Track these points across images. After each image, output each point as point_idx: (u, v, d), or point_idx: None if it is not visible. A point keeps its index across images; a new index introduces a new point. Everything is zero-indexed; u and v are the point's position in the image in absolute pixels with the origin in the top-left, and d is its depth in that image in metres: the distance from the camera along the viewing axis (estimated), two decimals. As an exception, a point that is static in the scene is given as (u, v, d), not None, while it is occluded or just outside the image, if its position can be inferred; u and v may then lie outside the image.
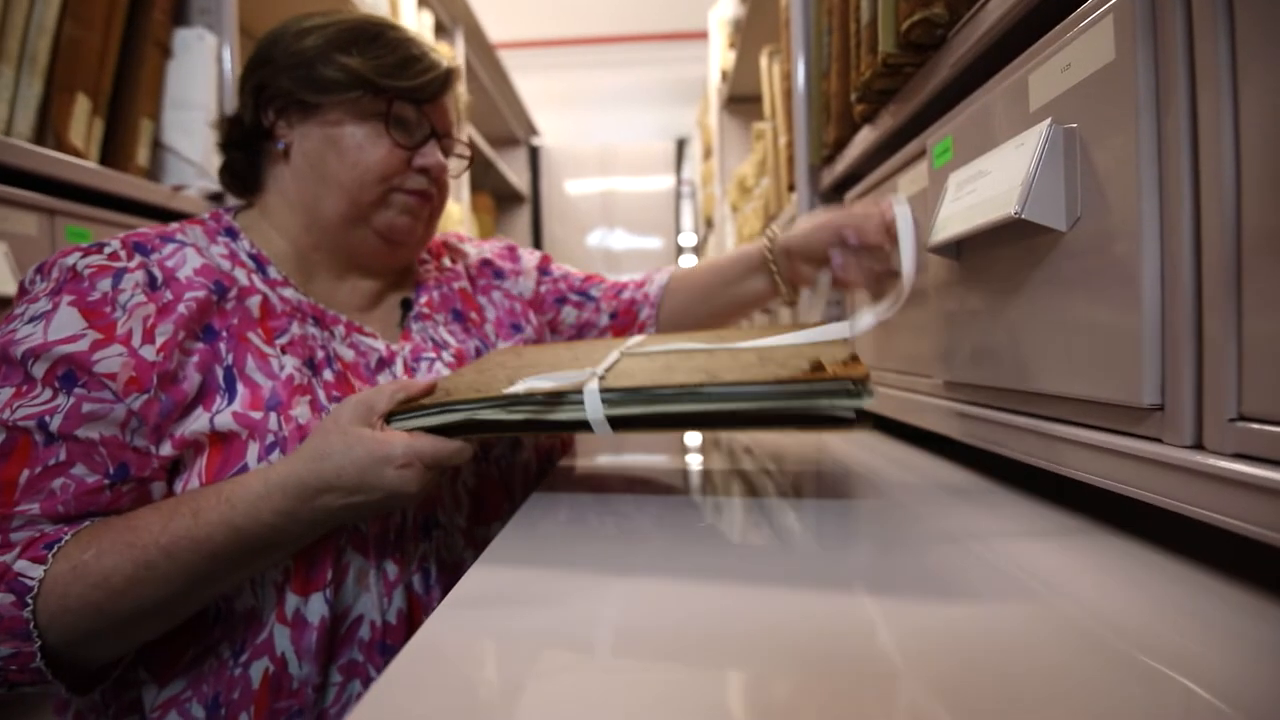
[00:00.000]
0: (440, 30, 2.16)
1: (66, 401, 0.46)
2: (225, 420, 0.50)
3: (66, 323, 0.47)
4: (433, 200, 0.63)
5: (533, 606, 0.32)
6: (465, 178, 2.28)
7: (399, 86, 0.58)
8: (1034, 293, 0.43)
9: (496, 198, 3.33)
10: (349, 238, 0.61)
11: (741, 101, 2.22)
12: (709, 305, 0.75)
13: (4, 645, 0.42)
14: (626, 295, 0.78)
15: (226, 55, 1.03)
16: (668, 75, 4.37)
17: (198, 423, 0.49)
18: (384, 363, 0.61)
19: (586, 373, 0.45)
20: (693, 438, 0.81)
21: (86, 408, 0.46)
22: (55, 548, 0.43)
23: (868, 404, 0.37)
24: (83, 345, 0.46)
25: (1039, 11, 0.45)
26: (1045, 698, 0.23)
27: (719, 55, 2.26)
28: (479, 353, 0.68)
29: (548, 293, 0.79)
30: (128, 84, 0.91)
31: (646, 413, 0.42)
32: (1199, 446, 0.30)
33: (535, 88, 3.56)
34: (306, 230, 0.60)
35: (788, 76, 1.06)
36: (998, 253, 0.47)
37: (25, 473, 0.45)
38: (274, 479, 0.45)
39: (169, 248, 0.54)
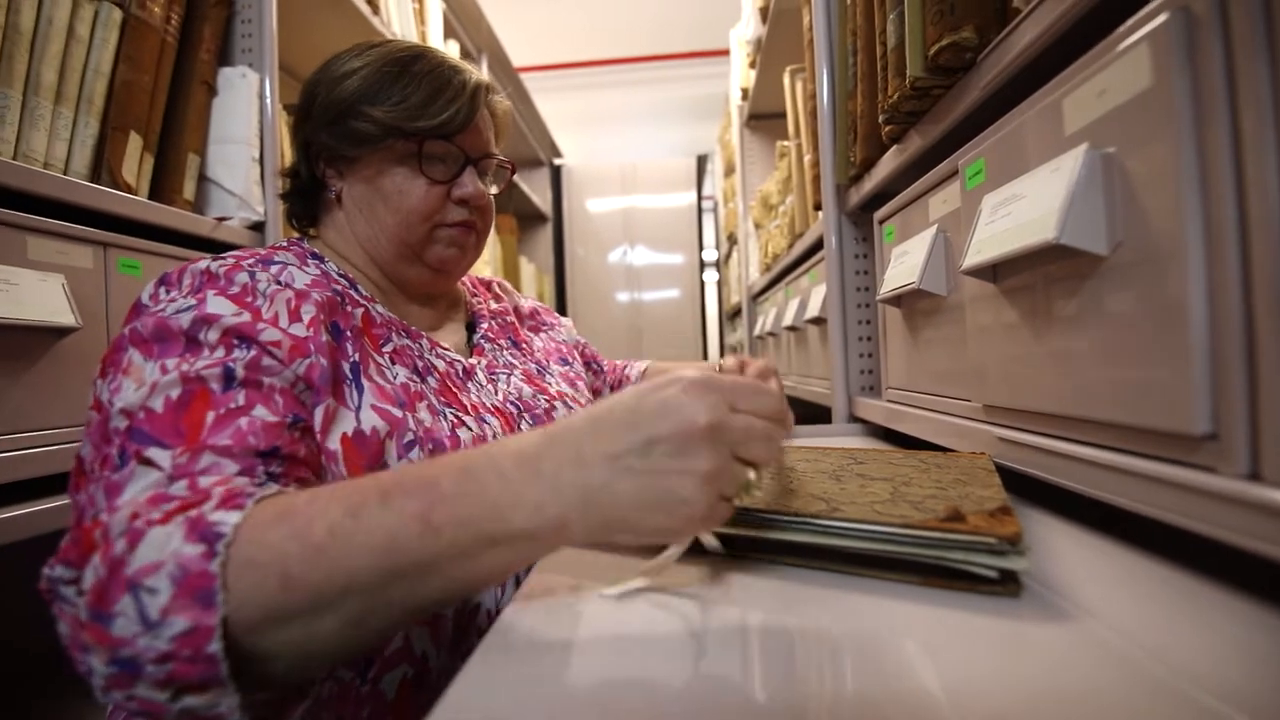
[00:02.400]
0: (465, 57, 2.22)
1: (246, 354, 0.45)
2: (369, 416, 0.51)
3: (222, 306, 0.47)
4: (475, 227, 0.66)
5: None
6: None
7: (426, 126, 0.59)
8: (1076, 316, 0.42)
9: (519, 218, 3.38)
10: (405, 273, 0.65)
11: (763, 118, 2.24)
12: None
13: (181, 615, 0.31)
14: (618, 373, 0.92)
15: (267, 91, 1.07)
16: (687, 93, 4.42)
17: (345, 422, 0.49)
18: (467, 374, 0.64)
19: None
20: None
21: (266, 361, 0.46)
22: (255, 498, 0.36)
23: (1019, 566, 0.32)
24: (245, 318, 0.47)
25: (1070, 37, 0.45)
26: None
27: (740, 73, 2.28)
28: (540, 372, 0.73)
29: (582, 352, 0.89)
30: (176, 121, 0.95)
31: (755, 536, 0.38)
32: (1256, 477, 0.29)
33: (556, 109, 3.62)
34: (371, 263, 0.65)
35: (812, 96, 1.07)
36: (1036, 275, 0.47)
37: (210, 414, 0.42)
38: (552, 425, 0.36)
39: (275, 266, 0.56)
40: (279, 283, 0.53)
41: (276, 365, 0.47)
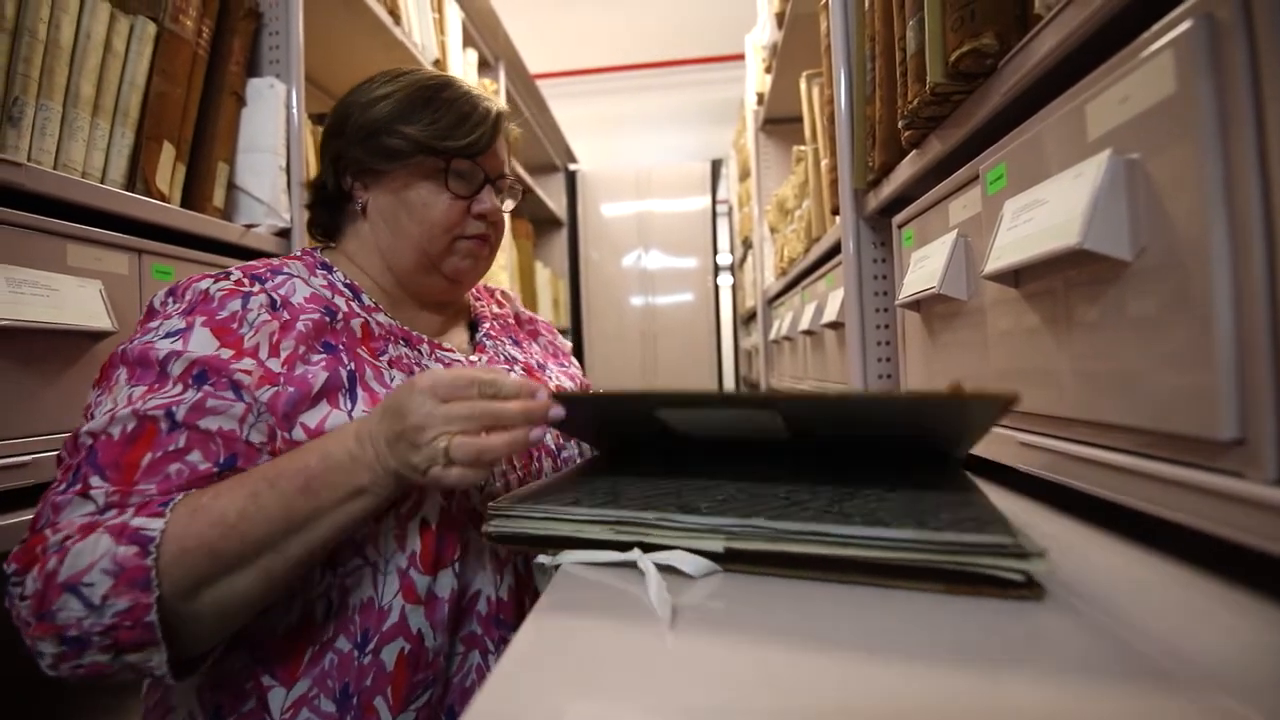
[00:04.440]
0: (484, 66, 2.24)
1: (194, 395, 0.51)
2: (361, 415, 0.55)
3: (203, 341, 0.54)
4: (490, 240, 0.70)
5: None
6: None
7: (454, 146, 0.64)
8: (1099, 321, 0.42)
9: (534, 223, 3.40)
10: (421, 281, 0.69)
11: (779, 123, 2.24)
12: None
13: (121, 598, 0.43)
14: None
15: (294, 101, 1.09)
16: (702, 98, 4.43)
17: (333, 418, 0.55)
18: None
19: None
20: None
21: (210, 403, 0.52)
22: (170, 505, 0.47)
23: (1041, 569, 0.32)
24: (222, 355, 0.53)
25: (1091, 43, 0.45)
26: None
27: (755, 78, 2.29)
28: (541, 366, 0.77)
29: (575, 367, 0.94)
30: (206, 131, 0.97)
31: (768, 550, 0.38)
32: (1284, 481, 0.29)
33: (571, 114, 3.65)
34: (387, 273, 0.68)
35: (830, 101, 1.07)
36: (1059, 280, 0.47)
37: (148, 456, 0.49)
38: (352, 423, 0.52)
39: (279, 278, 0.61)
40: (270, 308, 0.57)
41: (227, 402, 0.52)
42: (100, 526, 0.45)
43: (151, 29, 0.86)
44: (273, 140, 1.05)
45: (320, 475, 0.48)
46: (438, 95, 0.65)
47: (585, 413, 0.56)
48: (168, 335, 0.54)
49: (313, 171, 1.20)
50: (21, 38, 0.70)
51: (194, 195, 0.96)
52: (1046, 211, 0.45)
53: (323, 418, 0.55)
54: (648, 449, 0.62)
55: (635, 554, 0.40)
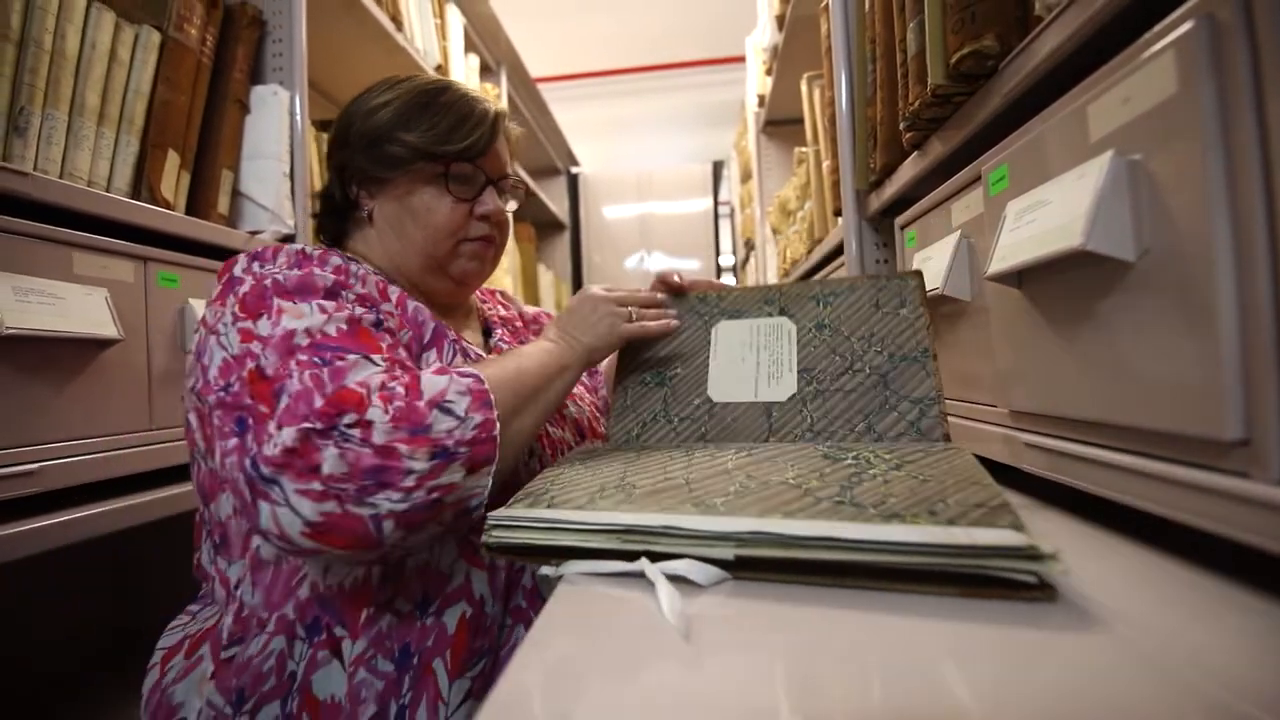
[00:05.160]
0: (486, 70, 2.25)
1: (373, 315, 0.57)
2: (458, 366, 0.60)
3: (334, 279, 0.59)
4: (495, 241, 0.72)
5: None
6: (510, 209, 2.36)
7: (453, 150, 0.66)
8: (1103, 322, 0.42)
9: (537, 226, 3.41)
10: (430, 284, 0.71)
11: (780, 124, 2.24)
12: None
13: (478, 413, 0.50)
14: (597, 377, 0.95)
15: (297, 108, 1.10)
16: (703, 99, 4.43)
17: (438, 364, 0.61)
18: None
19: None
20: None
21: (389, 323, 0.59)
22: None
23: (1057, 570, 0.32)
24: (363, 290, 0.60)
25: (1092, 44, 0.45)
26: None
27: (756, 80, 2.29)
28: None
29: None
30: (211, 138, 0.98)
31: (778, 556, 0.37)
32: (1290, 482, 0.29)
33: (573, 118, 3.66)
34: (397, 275, 0.70)
35: (831, 103, 1.07)
36: (1063, 281, 0.47)
37: (374, 341, 0.54)
38: (550, 325, 0.66)
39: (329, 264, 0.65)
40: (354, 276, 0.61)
41: (385, 329, 0.58)
42: (418, 376, 0.51)
43: (156, 38, 0.86)
44: (277, 147, 1.06)
45: (546, 359, 0.60)
46: (435, 100, 0.67)
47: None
48: (317, 272, 0.58)
49: (316, 177, 1.21)
50: (27, 48, 0.71)
51: (199, 202, 0.96)
52: (1049, 213, 0.45)
53: (436, 360, 0.62)
54: (661, 416, 0.66)
55: (643, 563, 0.39)
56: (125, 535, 0.76)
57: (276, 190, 1.05)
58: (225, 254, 0.98)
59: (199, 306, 0.89)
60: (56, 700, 0.98)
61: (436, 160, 0.65)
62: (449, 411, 0.48)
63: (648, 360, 0.69)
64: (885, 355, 0.60)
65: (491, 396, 0.51)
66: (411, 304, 0.65)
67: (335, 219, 0.72)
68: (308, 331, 0.51)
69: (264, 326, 0.53)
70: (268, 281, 0.56)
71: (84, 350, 0.73)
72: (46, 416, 0.69)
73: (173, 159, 0.89)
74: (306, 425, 0.45)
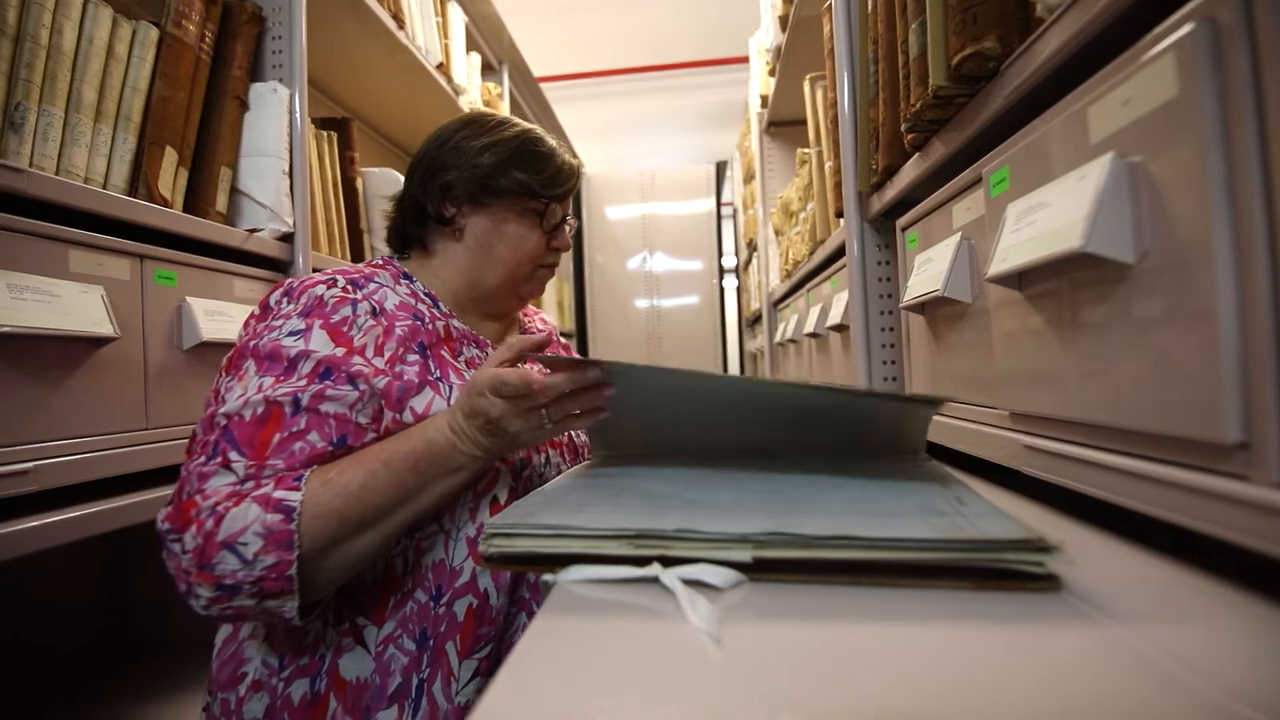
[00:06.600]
0: (488, 70, 2.25)
1: (316, 386, 0.61)
2: (455, 398, 0.65)
3: (321, 341, 0.64)
4: (554, 267, 0.83)
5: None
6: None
7: (554, 194, 0.78)
8: (1103, 323, 0.42)
9: (540, 225, 3.40)
10: (499, 298, 0.80)
11: (783, 125, 2.24)
12: None
13: (270, 555, 0.53)
14: None
15: (297, 105, 1.10)
16: (706, 100, 4.42)
17: (436, 403, 0.66)
18: None
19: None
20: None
21: (329, 392, 0.61)
22: (303, 479, 0.57)
23: (1064, 562, 0.34)
24: (338, 353, 0.63)
25: (1093, 46, 0.45)
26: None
27: (759, 81, 2.29)
28: None
29: None
30: (209, 136, 0.98)
31: (799, 557, 0.37)
32: (1289, 487, 0.29)
33: (575, 118, 3.66)
34: (468, 288, 0.78)
35: (833, 104, 1.07)
36: (1062, 283, 0.46)
37: (277, 435, 0.59)
38: (450, 409, 0.63)
39: (373, 286, 0.71)
40: (373, 315, 0.68)
41: (342, 391, 0.62)
42: (248, 496, 0.55)
43: (154, 34, 0.86)
44: (276, 144, 1.06)
45: (426, 457, 0.60)
46: (537, 150, 0.78)
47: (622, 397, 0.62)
48: (291, 334, 0.63)
49: (315, 175, 1.21)
50: (24, 43, 0.71)
51: (197, 200, 0.96)
52: (1050, 214, 0.44)
53: (428, 402, 0.66)
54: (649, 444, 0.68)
55: (655, 569, 0.37)
56: (120, 535, 0.76)
57: (275, 188, 1.05)
58: (223, 252, 0.98)
59: (196, 304, 0.89)
60: (47, 700, 0.98)
61: (537, 199, 0.76)
62: (238, 554, 0.53)
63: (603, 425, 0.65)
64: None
65: (294, 537, 0.54)
66: (458, 325, 0.75)
67: (417, 227, 0.79)
68: (226, 415, 0.59)
69: (224, 386, 0.62)
70: (253, 342, 0.63)
71: (79, 348, 0.73)
72: (41, 415, 0.69)
73: (170, 156, 0.89)
74: (161, 526, 0.56)
